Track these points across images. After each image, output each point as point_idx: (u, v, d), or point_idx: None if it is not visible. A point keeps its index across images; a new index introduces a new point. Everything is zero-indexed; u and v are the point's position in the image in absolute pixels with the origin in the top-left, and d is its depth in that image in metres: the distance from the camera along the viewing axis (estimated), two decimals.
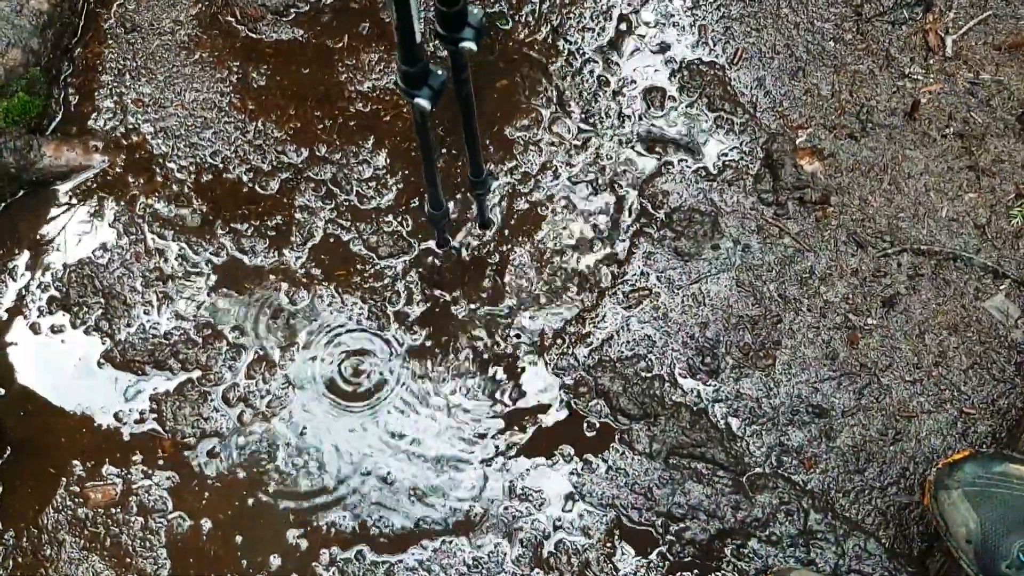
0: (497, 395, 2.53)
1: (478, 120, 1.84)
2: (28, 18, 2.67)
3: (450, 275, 2.64)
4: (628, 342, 2.57)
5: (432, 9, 1.53)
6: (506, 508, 2.43)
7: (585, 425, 2.50)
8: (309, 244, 2.68)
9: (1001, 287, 2.57)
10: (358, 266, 2.66)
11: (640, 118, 2.78)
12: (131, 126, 2.78)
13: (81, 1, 2.88)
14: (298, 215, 2.70)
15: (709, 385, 2.52)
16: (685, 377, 2.53)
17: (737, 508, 2.40)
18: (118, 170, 2.74)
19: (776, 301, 2.58)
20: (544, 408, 2.51)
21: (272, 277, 2.65)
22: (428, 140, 2.00)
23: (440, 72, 1.62)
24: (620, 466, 2.45)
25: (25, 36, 2.66)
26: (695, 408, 2.49)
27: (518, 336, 2.58)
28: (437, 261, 2.65)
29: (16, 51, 2.64)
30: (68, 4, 2.80)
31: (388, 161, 2.74)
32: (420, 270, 2.64)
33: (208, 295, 2.63)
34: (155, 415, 2.53)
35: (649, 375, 2.53)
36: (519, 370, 2.55)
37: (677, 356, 2.55)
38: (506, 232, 2.67)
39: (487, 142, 2.75)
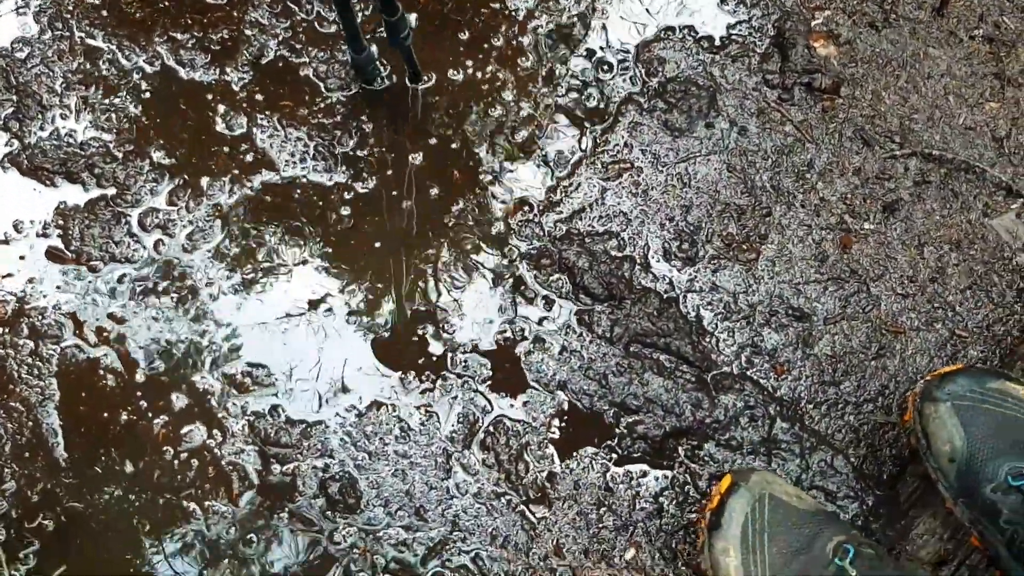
0: (449, 258, 2.26)
1: None
2: None
3: (408, 120, 2.35)
4: (601, 217, 2.30)
5: None
6: (444, 378, 2.17)
7: (543, 300, 2.24)
8: (256, 65, 2.37)
9: (1013, 206, 2.34)
10: (306, 98, 2.35)
11: None
12: None
13: None
14: (248, 32, 2.39)
15: (684, 273, 2.27)
16: (659, 261, 2.27)
17: (698, 407, 2.17)
18: None
19: (768, 192, 2.33)
20: (499, 276, 2.24)
21: (208, 96, 2.34)
22: None
23: None
24: (575, 348, 2.20)
25: None
26: (665, 296, 2.25)
27: (478, 194, 2.30)
28: (390, 105, 2.36)
29: None
30: None
31: None
32: (373, 109, 2.34)
33: (132, 104, 2.32)
34: (60, 231, 2.23)
35: (620, 255, 2.27)
36: (476, 234, 2.28)
37: (653, 238, 2.29)
38: (479, 74, 2.38)
39: None
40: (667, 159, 2.36)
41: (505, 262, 2.26)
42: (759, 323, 2.25)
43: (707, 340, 2.23)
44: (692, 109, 2.39)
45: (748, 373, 2.21)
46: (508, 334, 2.21)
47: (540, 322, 2.22)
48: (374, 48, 2.31)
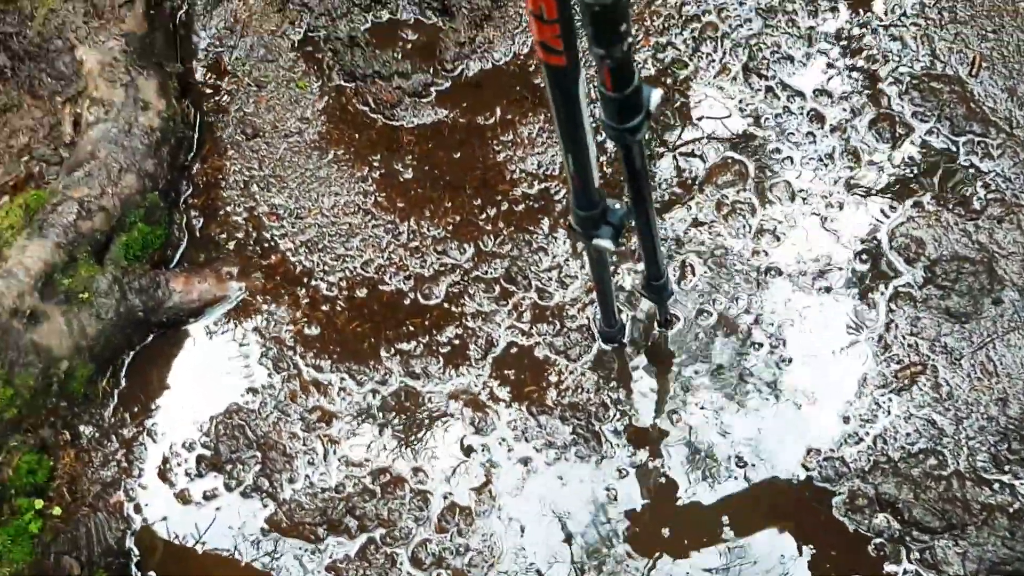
0: (749, 523, 2.02)
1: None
2: (139, 137, 2.32)
3: (663, 370, 2.16)
4: (908, 434, 2.03)
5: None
6: None
7: (871, 548, 1.96)
8: (489, 357, 2.23)
9: None
10: (550, 377, 2.19)
11: (871, 155, 2.27)
12: (266, 244, 2.39)
13: (194, 111, 2.52)
14: (471, 323, 2.26)
15: None
16: (991, 471, 1.97)
17: None
18: (258, 297, 2.35)
19: None
20: (814, 534, 1.98)
21: (452, 403, 2.20)
22: (605, 275, 1.76)
23: (618, 207, 1.45)
24: None
25: (138, 158, 2.30)
26: (1012, 509, 1.94)
27: (758, 440, 2.07)
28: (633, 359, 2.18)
29: (130, 176, 2.28)
30: (181, 116, 2.44)
31: (568, 243, 2.29)
32: (622, 368, 2.17)
33: (379, 432, 2.19)
34: None
35: (944, 473, 1.99)
36: (774, 491, 2.03)
37: (976, 445, 2.00)
38: (727, 303, 2.18)
39: (685, 204, 2.28)
40: (962, 350, 2.08)
41: (808, 511, 2.00)
42: None
43: None
44: (972, 287, 2.12)
45: None
46: None
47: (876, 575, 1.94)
48: (624, 316, 2.16)
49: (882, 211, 2.22)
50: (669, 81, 2.39)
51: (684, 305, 2.20)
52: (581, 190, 1.33)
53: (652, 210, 1.48)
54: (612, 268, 2.18)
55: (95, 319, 2.20)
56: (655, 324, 2.19)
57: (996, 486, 1.96)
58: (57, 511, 2.13)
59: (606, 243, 1.44)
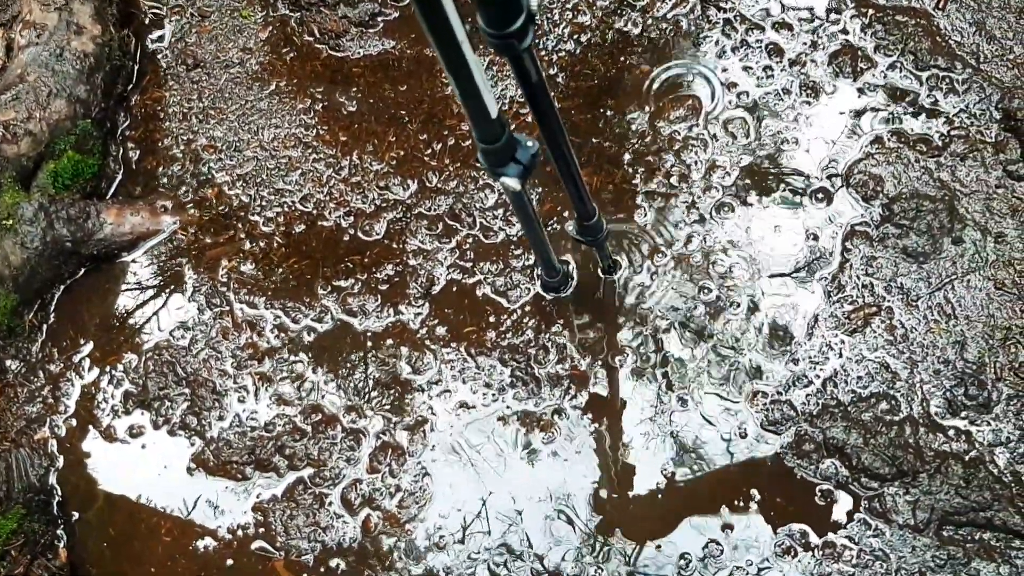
0: (692, 466, 1.92)
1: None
2: (71, 62, 2.22)
3: (605, 316, 2.07)
4: (860, 378, 1.94)
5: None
6: None
7: (818, 494, 1.87)
8: (429, 296, 2.14)
9: None
10: (490, 318, 2.10)
11: (832, 87, 2.17)
12: (203, 177, 2.30)
13: (135, 41, 2.42)
14: (412, 261, 2.17)
15: (981, 424, 1.87)
16: (946, 416, 1.88)
17: None
18: (193, 231, 2.26)
19: None
20: (758, 478, 1.89)
21: (389, 341, 2.11)
22: (528, 215, 1.62)
23: (530, 143, 1.32)
24: (875, 547, 1.81)
25: (69, 83, 2.21)
26: (967, 457, 1.85)
27: (702, 386, 1.98)
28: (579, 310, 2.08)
29: (60, 102, 2.19)
30: (118, 43, 2.35)
31: None
32: (564, 313, 2.07)
33: (313, 370, 2.11)
34: (262, 529, 2.00)
35: (896, 418, 1.89)
36: (719, 434, 1.94)
37: (931, 389, 1.90)
38: (669, 247, 2.09)
39: (633, 140, 2.18)
40: (919, 291, 1.99)
41: (756, 456, 1.91)
42: None
43: None
44: (931, 227, 2.02)
45: None
46: (788, 544, 1.84)
47: (824, 528, 1.85)
48: (571, 265, 2.07)
49: (837, 145, 2.12)
50: (629, 14, 2.29)
51: (624, 242, 2.10)
52: (476, 119, 1.20)
53: (564, 137, 1.37)
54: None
55: (19, 247, 2.11)
56: (599, 271, 2.09)
57: (951, 432, 1.87)
58: None
59: (512, 182, 1.32)
